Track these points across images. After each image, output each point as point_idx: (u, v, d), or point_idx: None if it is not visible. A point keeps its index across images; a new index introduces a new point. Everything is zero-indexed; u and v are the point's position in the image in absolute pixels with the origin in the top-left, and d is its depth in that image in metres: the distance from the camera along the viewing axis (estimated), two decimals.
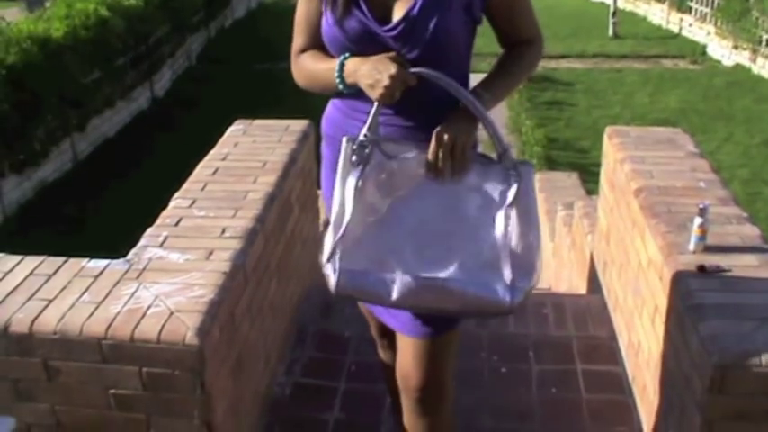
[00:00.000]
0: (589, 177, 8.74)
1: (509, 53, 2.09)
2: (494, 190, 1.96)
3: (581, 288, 4.17)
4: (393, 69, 1.91)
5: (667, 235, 2.57)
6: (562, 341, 3.28)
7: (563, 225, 5.14)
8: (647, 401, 2.69)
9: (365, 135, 1.99)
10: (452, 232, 1.95)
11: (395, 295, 1.92)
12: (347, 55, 2.02)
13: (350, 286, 1.94)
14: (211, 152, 3.43)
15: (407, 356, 2.16)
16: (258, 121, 3.77)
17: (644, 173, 3.05)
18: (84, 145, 11.86)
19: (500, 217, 1.94)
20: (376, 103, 1.98)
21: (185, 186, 3.08)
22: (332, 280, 1.95)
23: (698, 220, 2.43)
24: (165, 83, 15.10)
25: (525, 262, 1.92)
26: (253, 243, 2.68)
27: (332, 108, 2.21)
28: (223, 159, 3.32)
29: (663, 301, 2.49)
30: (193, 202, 2.93)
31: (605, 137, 3.55)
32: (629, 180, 3.06)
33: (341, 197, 1.97)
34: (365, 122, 2.00)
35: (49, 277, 2.49)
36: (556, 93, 14.32)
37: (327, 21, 2.04)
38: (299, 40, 2.19)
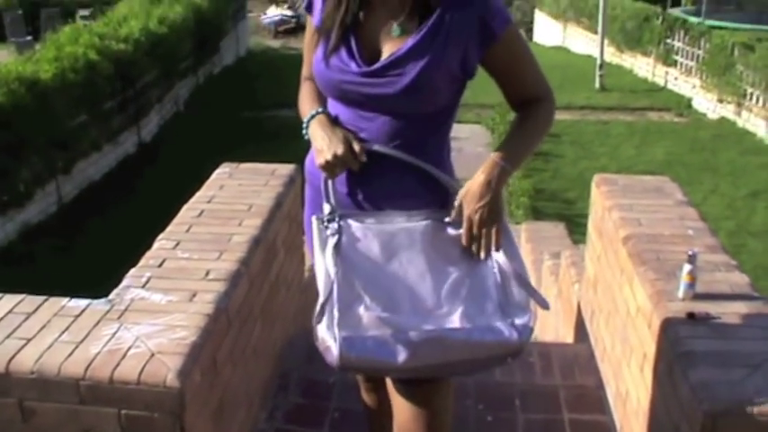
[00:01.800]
0: (576, 228, 8.75)
1: (522, 115, 2.05)
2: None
3: (568, 337, 4.13)
4: (340, 150, 1.94)
5: (656, 282, 2.55)
6: (549, 390, 3.24)
7: (549, 274, 5.12)
8: None
9: (329, 208, 2.01)
10: (444, 282, 1.92)
11: (401, 357, 1.85)
12: (319, 110, 2.06)
13: (353, 354, 1.86)
14: (197, 194, 3.40)
15: (405, 412, 2.08)
16: (244, 165, 3.75)
17: (632, 221, 3.04)
18: (69, 188, 11.82)
19: (493, 266, 1.94)
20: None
21: (170, 228, 3.05)
22: (333, 350, 1.87)
23: (687, 267, 2.42)
24: (153, 128, 15.10)
25: (522, 299, 1.91)
26: (236, 286, 2.65)
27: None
28: (208, 202, 3.30)
29: (652, 349, 2.46)
30: (177, 244, 2.90)
31: (593, 185, 3.54)
32: (617, 228, 3.04)
33: (323, 267, 1.94)
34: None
35: (28, 316, 2.44)
36: (542, 144, 14.38)
37: (317, 54, 2.04)
38: (304, 67, 2.22)
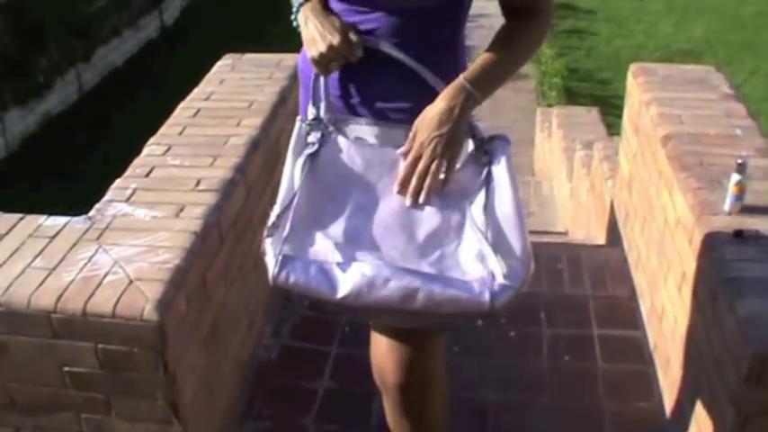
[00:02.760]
0: (610, 110, 8.37)
1: (507, 31, 1.68)
2: (466, 179, 1.64)
3: (599, 238, 3.86)
4: (336, 40, 1.63)
5: (699, 192, 2.25)
6: (577, 301, 2.99)
7: (582, 166, 4.81)
8: (670, 376, 2.41)
9: (313, 113, 1.71)
10: (420, 223, 1.62)
11: (341, 291, 1.56)
12: None
13: (291, 277, 1.59)
14: (194, 91, 3.12)
15: (382, 345, 1.83)
16: (248, 55, 3.44)
17: (672, 117, 2.72)
18: (90, 75, 11.55)
19: (471, 209, 1.61)
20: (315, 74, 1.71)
21: (162, 130, 2.79)
22: (271, 267, 1.60)
23: (735, 177, 2.11)
24: (175, 11, 14.63)
25: (509, 254, 1.55)
26: (230, 196, 2.39)
27: None
28: (206, 99, 3.02)
29: (692, 268, 2.19)
30: (168, 149, 2.64)
31: (629, 75, 3.20)
32: (655, 125, 2.73)
33: (289, 174, 1.66)
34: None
35: (1, 237, 2.22)
36: (577, 21, 13.76)
37: None
38: None
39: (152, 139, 2.72)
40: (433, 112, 1.60)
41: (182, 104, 2.99)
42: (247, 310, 2.63)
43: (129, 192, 2.40)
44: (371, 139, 1.70)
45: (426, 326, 1.75)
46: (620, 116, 3.38)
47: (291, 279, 1.59)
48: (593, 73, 11.65)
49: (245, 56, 3.44)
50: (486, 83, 1.62)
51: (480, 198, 1.60)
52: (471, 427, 2.46)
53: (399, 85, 1.70)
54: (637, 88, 3.07)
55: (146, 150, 2.65)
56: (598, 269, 3.17)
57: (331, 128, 1.70)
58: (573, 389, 2.59)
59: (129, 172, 2.52)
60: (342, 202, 1.65)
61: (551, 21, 1.71)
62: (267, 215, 1.66)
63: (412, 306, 1.55)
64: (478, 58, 1.64)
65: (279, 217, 1.61)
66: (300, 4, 1.73)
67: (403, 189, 1.62)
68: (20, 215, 2.33)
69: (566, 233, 5.14)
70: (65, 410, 2.12)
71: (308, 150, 1.68)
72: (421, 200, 1.60)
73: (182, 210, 2.29)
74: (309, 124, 1.71)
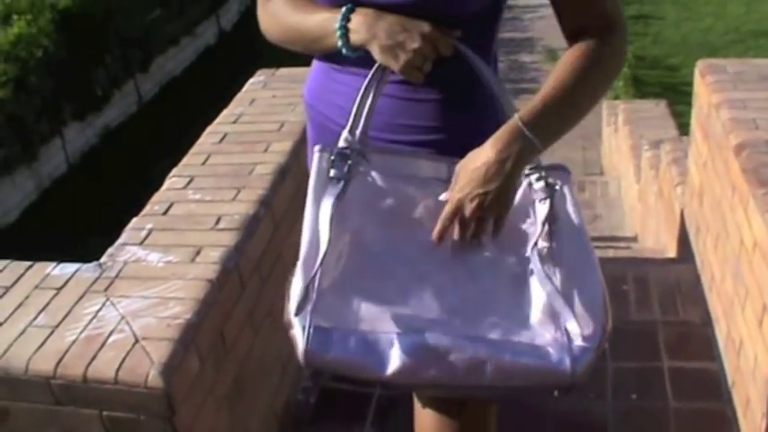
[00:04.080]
0: (679, 98, 7.98)
1: (572, 56, 1.36)
2: (521, 219, 1.39)
3: (670, 249, 3.56)
4: (426, 27, 1.33)
5: None
6: (645, 328, 2.71)
7: (649, 168, 4.49)
8: (750, 419, 2.13)
9: (347, 140, 1.42)
10: (473, 277, 1.36)
11: (392, 367, 1.29)
12: (351, 6, 1.41)
13: (326, 353, 1.31)
14: (223, 113, 2.92)
15: (428, 417, 1.56)
16: (282, 70, 3.23)
17: (746, 122, 2.42)
18: (148, 86, 11.55)
19: (536, 255, 1.34)
20: (365, 86, 1.41)
21: (185, 160, 2.60)
22: (299, 343, 1.31)
23: None
24: (233, 15, 14.57)
25: (585, 309, 1.30)
26: (253, 235, 2.19)
27: (316, 67, 1.65)
28: (234, 122, 2.82)
29: None
30: (190, 181, 2.45)
31: (696, 73, 2.90)
32: (726, 132, 2.43)
33: (313, 225, 1.36)
34: (353, 98, 1.44)
35: (7, 290, 2.05)
36: (641, 6, 13.27)
37: None
38: None
39: (174, 170, 2.53)
40: (479, 161, 1.32)
41: (208, 129, 2.80)
42: (280, 354, 2.42)
43: (144, 233, 2.21)
44: (409, 173, 1.44)
45: (486, 398, 1.50)
46: (690, 104, 3.07)
47: (329, 356, 1.31)
48: (660, 59, 11.21)
49: (279, 71, 3.23)
50: (549, 127, 1.33)
51: (543, 242, 1.35)
52: None
53: (444, 108, 1.46)
54: (705, 89, 2.77)
55: (166, 183, 2.46)
56: (668, 290, 2.88)
57: (359, 158, 1.42)
58: None
59: (146, 209, 2.34)
60: (379, 254, 1.38)
61: (626, 36, 1.42)
62: (299, 250, 1.41)
63: (477, 382, 1.30)
64: (538, 94, 1.34)
65: (307, 288, 1.32)
66: (348, 10, 1.41)
67: (438, 245, 1.37)
68: (28, 263, 2.16)
69: (635, 238, 4.82)
70: None
71: (335, 190, 1.38)
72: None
73: (198, 253, 2.09)
74: (339, 154, 1.41)
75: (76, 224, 8.04)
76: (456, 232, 1.35)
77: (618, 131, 6.41)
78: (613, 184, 6.12)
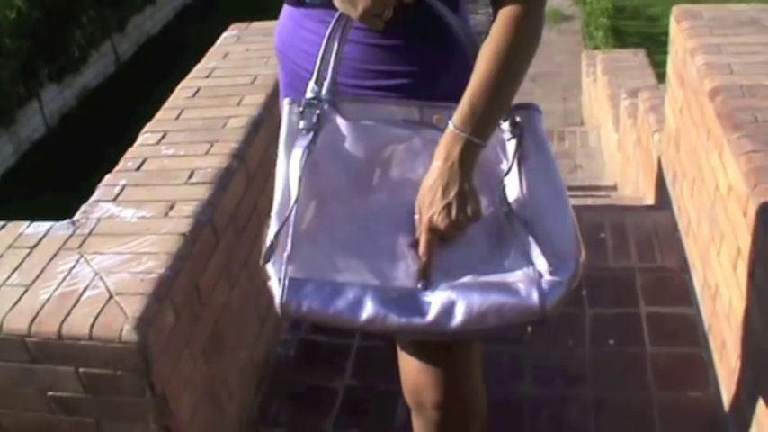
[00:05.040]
0: (660, 48, 7.92)
1: (487, 44, 1.35)
2: (490, 162, 1.38)
3: (648, 196, 3.56)
4: None
5: (754, 156, 1.96)
6: (623, 275, 2.72)
7: (627, 116, 4.48)
8: (726, 362, 2.15)
9: (314, 91, 1.41)
10: None
11: (365, 315, 1.30)
12: None
13: (302, 303, 1.31)
14: (196, 67, 2.90)
15: (413, 361, 1.55)
16: (256, 24, 3.20)
17: (721, 67, 2.41)
18: (125, 46, 11.40)
19: (505, 194, 1.34)
20: (328, 35, 1.40)
21: (158, 115, 2.58)
22: (276, 294, 1.32)
23: None
24: None
25: (555, 243, 1.31)
26: (226, 188, 2.17)
27: (285, 13, 1.63)
28: (207, 77, 2.79)
29: (747, 244, 1.91)
30: (163, 137, 2.42)
31: (672, 19, 2.88)
32: (701, 77, 2.42)
33: (284, 176, 1.37)
34: (319, 44, 1.43)
35: None
36: None
37: None
38: None
39: (147, 126, 2.51)
40: (431, 178, 1.33)
41: (181, 84, 2.77)
42: (258, 307, 2.41)
43: (117, 189, 2.19)
44: (380, 118, 1.43)
45: (455, 339, 1.50)
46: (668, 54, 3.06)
47: (304, 306, 1.31)
48: (641, 10, 11.13)
49: (252, 25, 3.20)
50: (482, 121, 1.32)
51: (512, 181, 1.35)
52: (507, 425, 2.23)
53: (411, 53, 1.44)
54: (680, 34, 2.76)
55: (139, 139, 2.44)
56: (645, 237, 2.89)
57: (328, 108, 1.42)
58: (618, 380, 2.33)
59: (120, 165, 2.31)
60: (350, 203, 1.38)
61: (540, 17, 1.38)
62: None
63: (449, 325, 1.30)
64: (465, 95, 1.34)
65: (277, 235, 1.33)
66: None
67: (426, 281, 1.33)
68: (1, 223, 2.14)
69: (614, 187, 4.83)
70: None
71: (304, 140, 1.38)
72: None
73: (171, 207, 2.07)
74: (307, 105, 1.41)
75: (57, 186, 7.97)
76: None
77: (597, 81, 6.38)
78: (593, 134, 6.11)
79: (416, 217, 1.34)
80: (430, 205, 1.31)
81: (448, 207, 1.30)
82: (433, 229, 1.31)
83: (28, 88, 9.26)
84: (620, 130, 4.87)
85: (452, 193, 1.30)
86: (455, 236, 1.32)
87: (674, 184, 2.97)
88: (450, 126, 1.32)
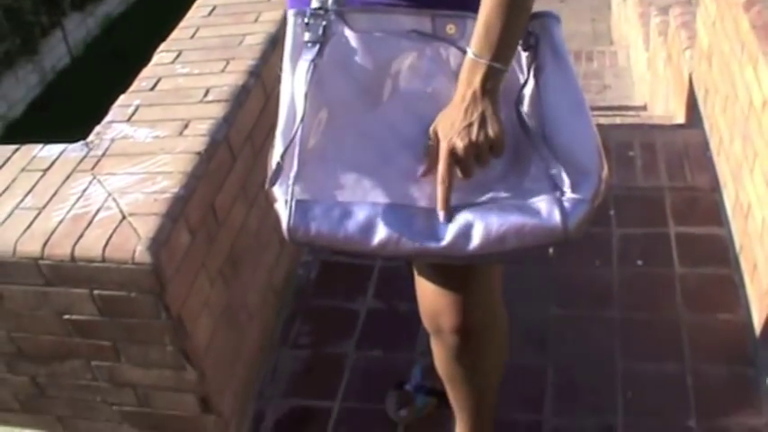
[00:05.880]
0: None
1: None
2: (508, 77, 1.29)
3: (678, 115, 3.46)
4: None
5: None
6: (652, 194, 2.64)
7: (658, 34, 4.34)
8: (757, 285, 2.08)
9: (321, 1, 1.33)
10: None
11: (377, 238, 1.25)
12: None
13: (310, 226, 1.27)
14: None
15: (430, 285, 1.49)
16: None
17: None
18: None
19: (523, 108, 1.26)
20: None
21: (173, 34, 2.50)
22: (283, 217, 1.28)
23: None
24: None
25: (577, 159, 1.23)
26: (242, 105, 2.11)
27: None
28: None
29: None
30: (178, 55, 2.36)
31: None
32: None
33: (290, 91, 1.30)
34: None
35: None
36: None
37: None
38: None
39: (162, 45, 2.44)
40: (452, 108, 1.24)
41: (197, 2, 2.68)
42: (278, 228, 2.36)
43: (131, 110, 2.14)
44: (389, 29, 1.34)
45: (472, 263, 1.42)
46: None
47: (313, 230, 1.27)
48: None
49: None
50: (500, 44, 1.22)
51: (529, 94, 1.28)
52: (530, 347, 2.19)
53: None
54: None
55: (154, 59, 2.38)
56: (675, 154, 2.80)
57: (335, 18, 1.33)
58: (645, 301, 2.28)
59: (134, 86, 2.26)
60: (360, 119, 1.31)
61: None
62: None
63: (466, 249, 1.24)
64: (479, 19, 1.24)
65: (283, 156, 1.27)
66: None
67: (447, 210, 1.25)
68: (15, 147, 2.10)
69: (644, 107, 4.71)
70: (74, 358, 1.95)
71: (310, 54, 1.31)
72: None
73: (186, 126, 2.02)
74: (312, 15, 1.33)
75: (82, 115, 7.96)
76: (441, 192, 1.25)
77: (627, 1, 6.20)
78: (622, 54, 5.95)
79: (430, 143, 1.27)
80: (450, 128, 1.23)
81: (469, 127, 1.21)
82: (452, 154, 1.23)
83: (50, 17, 9.17)
84: (651, 49, 4.73)
85: (475, 115, 1.21)
86: (473, 166, 1.23)
87: (705, 102, 2.87)
88: (469, 53, 1.23)
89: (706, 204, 2.56)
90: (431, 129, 1.26)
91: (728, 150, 2.45)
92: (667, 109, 3.89)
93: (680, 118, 3.41)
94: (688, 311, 2.22)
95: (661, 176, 2.72)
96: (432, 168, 1.26)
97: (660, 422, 1.97)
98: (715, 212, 2.51)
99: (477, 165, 1.23)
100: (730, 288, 2.25)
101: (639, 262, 2.40)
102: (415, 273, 1.54)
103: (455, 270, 1.43)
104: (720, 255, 2.36)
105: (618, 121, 3.89)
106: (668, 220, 2.52)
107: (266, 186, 1.29)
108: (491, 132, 1.21)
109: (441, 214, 1.25)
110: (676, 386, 2.04)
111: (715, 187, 2.60)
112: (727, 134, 2.47)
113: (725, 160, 2.51)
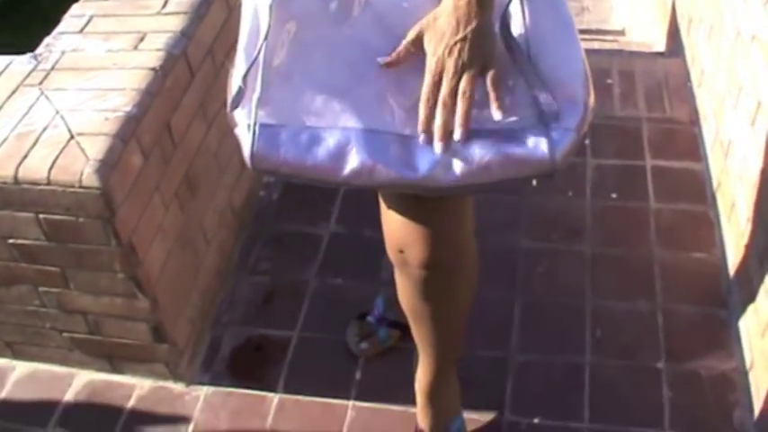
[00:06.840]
0: None
1: None
2: None
3: (658, 42, 3.35)
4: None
5: None
6: (629, 125, 2.55)
7: None
8: (734, 224, 2.02)
9: None
10: None
11: (349, 167, 1.15)
12: None
13: (275, 153, 1.16)
14: None
15: (396, 214, 1.39)
16: None
17: None
18: None
19: (507, 32, 1.14)
20: None
21: None
22: (245, 143, 1.18)
23: None
24: None
25: (562, 84, 1.13)
26: (203, 18, 1.98)
27: None
28: None
29: None
30: None
31: None
32: None
33: (253, 2, 1.19)
34: None
35: None
36: None
37: None
38: None
39: None
40: (444, 15, 1.11)
41: None
42: (239, 147, 2.26)
43: (84, 20, 2.00)
44: None
45: (461, 194, 1.33)
46: None
47: (279, 157, 1.16)
48: None
49: None
50: None
51: (514, 13, 1.16)
52: (499, 278, 2.13)
53: None
54: None
55: None
56: (655, 85, 2.71)
57: None
58: (618, 235, 2.21)
59: None
60: (330, 34, 1.19)
61: None
62: None
63: (446, 179, 1.14)
64: None
65: (245, 76, 1.16)
66: None
67: (428, 133, 1.13)
68: None
69: (622, 32, 4.58)
70: (20, 283, 1.85)
71: None
72: (457, 137, 1.11)
73: (142, 40, 1.89)
74: None
75: (30, 25, 7.65)
76: (439, 119, 1.12)
77: None
78: None
79: (409, 47, 1.14)
80: (439, 41, 1.11)
81: (462, 42, 1.10)
82: (439, 72, 1.11)
83: None
84: None
85: (469, 29, 1.10)
86: (460, 88, 1.11)
87: (688, 30, 2.77)
88: None
89: (684, 138, 2.48)
90: (412, 32, 1.14)
91: (711, 83, 2.36)
92: (645, 36, 3.77)
93: (660, 46, 3.30)
94: (661, 248, 2.16)
95: (639, 106, 2.63)
96: (393, 64, 1.15)
97: (628, 363, 1.92)
98: (693, 147, 2.43)
99: (466, 86, 1.11)
100: (706, 226, 2.19)
101: (614, 195, 2.33)
102: (381, 201, 1.44)
103: (425, 200, 1.32)
104: (697, 191, 2.29)
105: (596, 45, 3.78)
106: (645, 153, 2.44)
107: (228, 110, 1.18)
108: (486, 57, 1.11)
109: (421, 137, 1.14)
110: (646, 326, 1.99)
111: (694, 120, 2.51)
112: (711, 66, 2.37)
113: (706, 93, 2.42)
